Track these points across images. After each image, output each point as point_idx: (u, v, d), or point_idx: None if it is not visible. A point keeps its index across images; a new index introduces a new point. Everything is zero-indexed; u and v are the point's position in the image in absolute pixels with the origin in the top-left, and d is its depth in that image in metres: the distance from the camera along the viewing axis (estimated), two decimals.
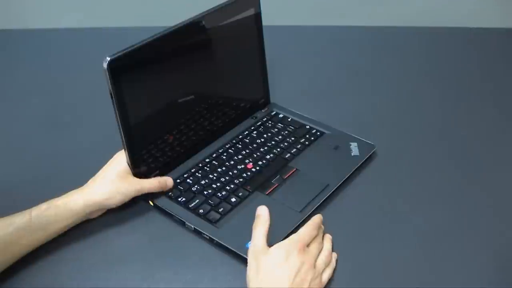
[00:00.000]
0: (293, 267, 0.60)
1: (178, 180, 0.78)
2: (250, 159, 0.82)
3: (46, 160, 0.85)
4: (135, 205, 0.75)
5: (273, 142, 0.85)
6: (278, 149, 0.84)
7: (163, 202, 0.75)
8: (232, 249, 0.68)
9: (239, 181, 0.78)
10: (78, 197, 0.69)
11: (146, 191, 0.72)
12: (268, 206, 0.71)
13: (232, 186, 0.77)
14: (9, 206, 0.67)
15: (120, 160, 0.72)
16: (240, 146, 0.84)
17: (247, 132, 0.87)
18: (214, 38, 0.81)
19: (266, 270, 0.60)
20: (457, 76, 1.05)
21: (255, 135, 0.87)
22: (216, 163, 0.81)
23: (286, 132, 0.88)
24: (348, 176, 0.79)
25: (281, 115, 0.92)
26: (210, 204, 0.74)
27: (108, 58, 0.65)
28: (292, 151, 0.83)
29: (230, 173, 0.79)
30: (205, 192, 0.76)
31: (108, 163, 0.73)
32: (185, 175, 0.79)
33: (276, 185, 0.77)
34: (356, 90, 1.02)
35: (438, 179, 0.80)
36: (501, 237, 0.71)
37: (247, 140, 0.86)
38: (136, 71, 0.71)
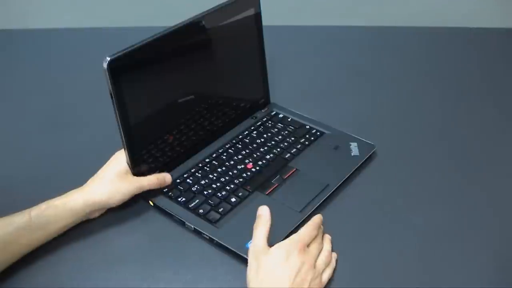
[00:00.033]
0: (294, 267, 0.60)
1: (178, 180, 0.78)
2: (250, 159, 0.82)
3: (46, 160, 0.85)
4: (135, 205, 0.76)
5: (273, 142, 0.85)
6: (278, 149, 0.84)
7: (163, 202, 0.75)
8: (232, 249, 0.68)
9: (239, 181, 0.78)
10: (77, 196, 0.69)
11: (145, 188, 0.72)
12: (268, 206, 0.71)
13: (232, 186, 0.77)
14: (9, 206, 0.67)
15: (119, 159, 0.72)
16: (240, 146, 0.84)
17: (247, 132, 0.87)
18: (214, 38, 0.81)
19: (266, 270, 0.60)
20: (457, 76, 1.05)
21: (255, 135, 0.87)
22: (216, 163, 0.81)
23: (286, 132, 0.88)
24: (348, 176, 0.79)
25: (281, 115, 0.92)
26: (210, 204, 0.74)
27: (108, 58, 0.65)
28: (292, 151, 0.83)
29: (230, 173, 0.79)
30: (205, 192, 0.76)
31: (107, 163, 0.73)
32: (185, 175, 0.79)
33: (276, 185, 0.77)
34: (356, 90, 1.02)
35: (438, 179, 0.80)
36: (501, 237, 0.71)
37: (247, 140, 0.86)
38: (136, 71, 0.71)
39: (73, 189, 0.70)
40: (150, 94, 0.75)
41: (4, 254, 0.64)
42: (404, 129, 0.91)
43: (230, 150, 0.83)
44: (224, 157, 0.82)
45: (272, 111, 0.93)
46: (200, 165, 0.81)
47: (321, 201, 0.75)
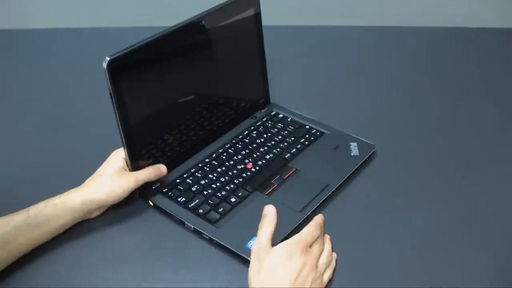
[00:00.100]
0: (296, 267, 0.60)
1: (178, 180, 0.78)
2: (250, 159, 0.82)
3: (46, 160, 0.85)
4: (135, 205, 0.76)
5: (273, 142, 0.85)
6: (278, 149, 0.84)
7: (163, 202, 0.75)
8: (232, 249, 0.68)
9: (239, 181, 0.78)
10: (76, 195, 0.69)
11: (142, 181, 0.72)
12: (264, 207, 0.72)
13: (232, 186, 0.77)
14: (9, 206, 0.67)
15: (117, 158, 0.73)
16: (240, 146, 0.84)
17: (247, 132, 0.87)
18: (214, 38, 0.81)
19: (268, 269, 0.60)
20: (457, 76, 1.05)
21: (255, 135, 0.87)
22: (216, 163, 0.81)
23: (286, 132, 0.88)
24: (348, 176, 0.79)
25: (281, 115, 0.92)
26: (210, 204, 0.74)
27: (108, 58, 0.65)
28: (292, 151, 0.83)
29: (230, 173, 0.79)
30: (205, 192, 0.76)
31: (105, 161, 0.73)
32: (185, 175, 0.79)
33: (276, 185, 0.77)
34: (356, 90, 1.02)
35: (438, 179, 0.80)
36: (501, 237, 0.71)
37: (247, 140, 0.86)
38: (136, 71, 0.71)
39: (73, 188, 0.70)
40: (150, 94, 0.75)
41: (3, 253, 0.64)
42: (404, 129, 0.91)
43: (230, 150, 0.83)
44: (224, 157, 0.82)
45: (272, 111, 0.93)
46: (200, 165, 0.81)
47: (321, 201, 0.75)
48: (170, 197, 0.75)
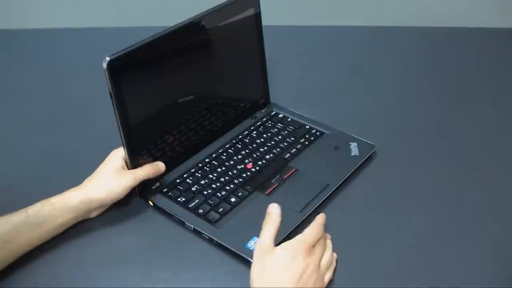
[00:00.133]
0: (298, 269, 0.60)
1: (178, 180, 0.78)
2: (250, 159, 0.82)
3: (46, 160, 0.85)
4: (135, 205, 0.76)
5: (272, 142, 0.85)
6: (278, 149, 0.84)
7: (163, 202, 0.75)
8: (232, 249, 0.68)
9: (239, 181, 0.78)
10: (75, 194, 0.69)
11: (141, 178, 0.72)
12: (268, 206, 0.71)
13: (231, 186, 0.77)
14: (10, 206, 0.67)
15: (115, 157, 0.73)
16: (240, 146, 0.84)
17: (247, 132, 0.87)
18: (214, 38, 0.81)
19: (271, 270, 0.60)
20: (457, 76, 1.05)
21: (255, 135, 0.87)
22: (216, 163, 0.81)
23: (286, 132, 0.88)
24: (348, 176, 0.79)
25: (281, 115, 0.92)
26: (209, 204, 0.74)
27: (108, 58, 0.65)
28: (292, 151, 0.83)
29: (230, 173, 0.79)
30: (205, 192, 0.76)
31: (104, 161, 0.73)
32: (185, 175, 0.79)
33: (276, 185, 0.77)
34: (356, 90, 1.02)
35: (438, 179, 0.80)
36: (501, 237, 0.71)
37: (247, 140, 0.86)
38: (136, 71, 0.71)
39: (71, 188, 0.70)
40: (150, 94, 0.75)
41: (3, 253, 0.64)
42: (404, 129, 0.91)
43: (230, 150, 0.83)
44: (224, 157, 0.82)
45: (272, 111, 0.93)
46: (200, 165, 0.81)
47: (321, 201, 0.75)
48: (170, 197, 0.75)
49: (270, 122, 0.90)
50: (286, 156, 0.83)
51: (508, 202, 0.76)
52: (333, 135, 0.87)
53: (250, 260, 0.66)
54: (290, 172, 0.79)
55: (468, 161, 0.83)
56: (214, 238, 0.69)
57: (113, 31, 1.19)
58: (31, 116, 0.96)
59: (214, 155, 0.82)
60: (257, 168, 0.80)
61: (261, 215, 0.71)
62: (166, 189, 0.76)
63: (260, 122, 0.90)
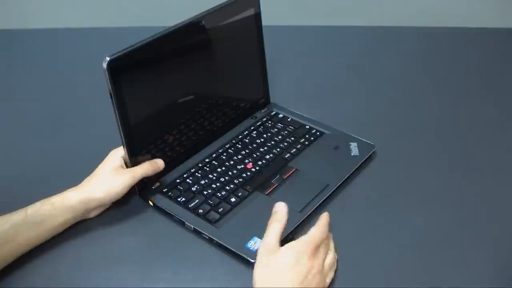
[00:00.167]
0: (302, 270, 0.59)
1: (178, 180, 0.78)
2: (250, 159, 0.82)
3: (46, 160, 0.85)
4: (135, 205, 0.76)
5: (272, 142, 0.85)
6: (278, 149, 0.84)
7: (163, 202, 0.75)
8: (232, 249, 0.68)
9: (239, 181, 0.78)
10: (73, 194, 0.69)
11: (140, 176, 0.72)
12: (268, 206, 0.71)
13: (231, 186, 0.77)
14: (9, 207, 0.67)
15: (114, 157, 0.73)
16: (240, 146, 0.84)
17: (247, 132, 0.87)
18: (214, 38, 0.81)
19: (275, 270, 0.59)
20: (457, 76, 1.05)
21: (255, 135, 0.87)
22: (216, 163, 0.81)
23: (286, 132, 0.88)
24: (348, 176, 0.79)
25: (281, 115, 0.92)
26: (209, 204, 0.74)
27: (108, 58, 0.65)
28: (292, 151, 0.83)
29: (230, 173, 0.79)
30: (205, 192, 0.76)
31: (103, 161, 0.73)
32: (185, 175, 0.79)
33: (276, 185, 0.77)
34: (356, 90, 1.02)
35: (438, 179, 0.80)
36: (501, 237, 0.71)
37: (247, 140, 0.86)
38: (136, 71, 0.71)
39: (71, 188, 0.71)
40: (150, 94, 0.75)
41: (2, 253, 0.64)
42: (404, 129, 0.91)
43: (230, 150, 0.83)
44: (224, 157, 0.82)
45: (272, 111, 0.93)
46: (200, 165, 0.81)
47: (321, 201, 0.75)
48: (170, 197, 0.75)
49: (270, 122, 0.90)
50: (286, 156, 0.83)
51: (508, 202, 0.76)
52: (333, 135, 0.87)
53: (250, 260, 0.66)
54: (290, 172, 0.79)
55: (468, 161, 0.83)
56: (214, 238, 0.69)
57: (113, 31, 1.19)
58: (31, 116, 0.96)
59: (214, 155, 0.82)
60: (257, 168, 0.80)
61: (261, 215, 0.71)
62: (166, 189, 0.76)
63: (260, 122, 0.90)
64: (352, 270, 0.67)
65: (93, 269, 0.68)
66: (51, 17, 1.27)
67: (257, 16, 0.85)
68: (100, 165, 0.73)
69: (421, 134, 0.89)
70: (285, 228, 0.64)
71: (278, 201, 0.74)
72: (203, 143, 0.84)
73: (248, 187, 0.77)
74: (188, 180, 0.78)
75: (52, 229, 0.68)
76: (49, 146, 0.88)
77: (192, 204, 0.74)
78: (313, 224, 0.65)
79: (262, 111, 0.93)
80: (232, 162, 0.81)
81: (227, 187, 0.76)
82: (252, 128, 0.88)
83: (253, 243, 0.68)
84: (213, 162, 0.81)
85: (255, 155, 0.83)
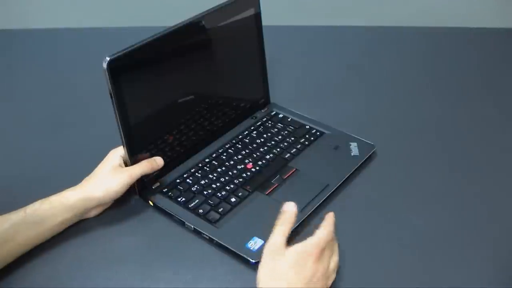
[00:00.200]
0: (308, 273, 0.59)
1: (178, 180, 0.78)
2: (250, 159, 0.82)
3: (46, 160, 0.85)
4: (135, 205, 0.76)
5: (273, 142, 0.85)
6: (278, 149, 0.84)
7: (163, 202, 0.75)
8: (232, 249, 0.68)
9: (239, 181, 0.78)
10: (72, 193, 0.69)
11: (138, 174, 0.72)
12: (268, 206, 0.72)
13: (232, 186, 0.77)
14: (9, 207, 0.67)
15: (113, 157, 0.73)
16: (240, 146, 0.84)
17: (247, 132, 0.87)
18: (214, 38, 0.81)
19: (280, 272, 0.59)
20: (456, 76, 1.05)
21: (255, 135, 0.87)
22: (216, 163, 0.81)
23: (286, 132, 0.88)
24: (348, 176, 0.79)
25: (281, 115, 0.92)
26: (210, 204, 0.74)
27: (108, 58, 0.65)
28: (292, 151, 0.83)
29: (230, 173, 0.79)
30: (205, 192, 0.76)
31: (102, 161, 0.73)
32: (185, 175, 0.79)
33: (276, 185, 0.77)
34: (356, 90, 1.02)
35: (438, 179, 0.80)
36: (501, 237, 0.71)
37: (247, 140, 0.86)
38: (136, 71, 0.71)
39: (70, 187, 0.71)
40: (150, 94, 0.75)
41: (2, 252, 0.64)
42: (404, 129, 0.91)
43: (230, 150, 0.83)
44: (224, 157, 0.82)
45: (272, 111, 0.93)
46: (200, 165, 0.81)
47: (321, 201, 0.75)
48: (170, 197, 0.75)
49: (270, 122, 0.90)
50: (286, 156, 0.83)
51: (508, 202, 0.76)
52: (333, 135, 0.87)
53: (250, 260, 0.66)
54: (290, 172, 0.79)
55: (468, 161, 0.83)
56: (214, 238, 0.69)
57: (113, 31, 1.19)
58: (31, 116, 0.96)
59: (214, 155, 0.82)
60: (257, 168, 0.80)
61: (261, 215, 0.72)
62: (166, 189, 0.76)
63: (260, 122, 0.90)
64: (352, 270, 0.67)
65: (93, 269, 0.68)
66: (51, 17, 1.27)
67: (257, 16, 0.85)
68: (99, 165, 0.73)
69: (421, 134, 0.89)
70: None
71: (278, 201, 0.74)
72: (203, 143, 0.84)
73: (248, 187, 0.77)
74: (188, 180, 0.78)
75: (51, 229, 0.68)
76: (49, 146, 0.88)
77: (192, 204, 0.74)
78: (313, 224, 0.64)
79: (262, 111, 0.93)
80: (232, 162, 0.81)
81: (227, 187, 0.76)
82: (252, 128, 0.88)
83: (253, 243, 0.68)
84: (213, 162, 0.81)
85: (255, 155, 0.83)
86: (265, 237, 0.68)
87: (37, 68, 1.10)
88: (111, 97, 0.68)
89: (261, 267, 0.60)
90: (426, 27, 1.19)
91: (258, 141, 0.86)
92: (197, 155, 0.82)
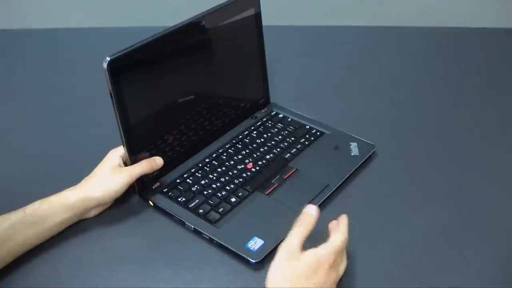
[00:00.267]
0: (320, 281, 0.58)
1: (178, 180, 0.78)
2: (250, 159, 0.82)
3: (46, 160, 0.85)
4: (135, 205, 0.76)
5: (273, 142, 0.85)
6: (278, 149, 0.84)
7: (163, 202, 0.75)
8: (232, 249, 0.68)
9: (239, 181, 0.78)
10: (72, 193, 0.69)
11: (137, 174, 0.72)
12: (268, 206, 0.72)
13: (232, 186, 0.77)
14: (9, 207, 0.67)
15: (112, 157, 0.73)
16: (240, 146, 0.84)
17: (247, 132, 0.87)
18: (214, 38, 0.81)
19: (292, 275, 0.58)
20: (456, 76, 1.05)
21: (255, 135, 0.87)
22: (216, 163, 0.81)
23: (286, 132, 0.88)
24: (348, 176, 0.79)
25: (281, 115, 0.92)
26: (210, 204, 0.74)
27: (108, 58, 0.65)
28: (292, 151, 0.83)
29: (230, 173, 0.79)
30: (205, 192, 0.76)
31: (102, 161, 0.73)
32: (185, 175, 0.79)
33: (276, 185, 0.77)
34: (356, 90, 1.02)
35: (438, 179, 0.80)
36: (501, 237, 0.71)
37: (247, 140, 0.86)
38: (136, 71, 0.71)
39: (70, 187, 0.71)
40: (150, 94, 0.75)
41: (1, 252, 0.64)
42: (404, 129, 0.91)
43: (230, 150, 0.83)
44: (224, 157, 0.82)
45: (272, 111, 0.93)
46: (200, 165, 0.81)
47: (321, 201, 0.75)
48: (170, 197, 0.75)
49: (270, 122, 0.90)
50: (286, 156, 0.83)
51: (508, 202, 0.76)
52: (333, 135, 0.87)
53: (251, 260, 0.66)
54: (290, 172, 0.79)
55: (468, 161, 0.83)
56: (214, 238, 0.69)
57: (113, 31, 1.19)
58: (31, 116, 0.96)
59: (214, 155, 0.82)
60: (257, 168, 0.80)
61: (262, 215, 0.72)
62: (166, 189, 0.77)
63: (260, 122, 0.90)
64: (352, 270, 0.67)
65: (92, 269, 0.68)
66: (51, 17, 1.27)
67: (257, 16, 0.85)
68: (99, 165, 0.73)
69: (421, 134, 0.89)
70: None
71: (278, 201, 0.74)
72: (203, 143, 0.84)
73: (248, 187, 0.77)
74: (188, 180, 0.78)
75: (50, 229, 0.68)
76: (49, 146, 0.88)
77: (192, 204, 0.74)
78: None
79: (262, 111, 0.93)
80: (232, 162, 0.81)
81: (227, 187, 0.76)
82: (252, 128, 0.88)
83: (253, 243, 0.68)
84: (213, 162, 0.81)
85: (255, 155, 0.83)
86: (265, 237, 0.68)
87: (37, 68, 1.10)
88: (111, 97, 0.68)
89: (273, 266, 0.59)
90: (426, 27, 1.19)
91: (258, 141, 0.86)
92: (197, 155, 0.82)
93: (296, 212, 0.72)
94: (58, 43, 1.19)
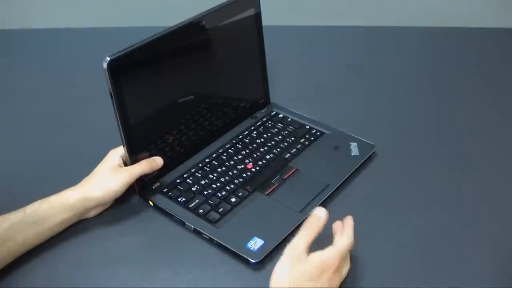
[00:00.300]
0: (324, 285, 0.58)
1: (178, 180, 0.78)
2: (250, 159, 0.82)
3: (46, 160, 0.85)
4: (135, 205, 0.76)
5: (273, 142, 0.85)
6: (278, 149, 0.84)
7: (163, 202, 0.75)
8: (232, 249, 0.68)
9: (239, 181, 0.78)
10: (71, 193, 0.69)
11: (137, 174, 0.72)
12: (268, 206, 0.72)
13: (232, 186, 0.77)
14: (9, 207, 0.67)
15: (112, 157, 0.73)
16: (240, 146, 0.84)
17: (247, 132, 0.87)
18: (214, 38, 0.81)
19: (296, 277, 0.58)
20: (456, 76, 1.05)
21: (255, 135, 0.87)
22: (216, 163, 0.81)
23: (286, 132, 0.88)
24: (348, 176, 0.79)
25: (281, 115, 0.92)
26: (210, 204, 0.74)
27: (108, 58, 0.65)
28: (292, 151, 0.83)
29: (230, 173, 0.79)
30: (205, 192, 0.76)
31: (102, 161, 0.73)
32: (185, 175, 0.79)
33: (276, 185, 0.77)
34: (356, 90, 1.02)
35: (438, 179, 0.80)
36: (501, 237, 0.71)
37: (247, 140, 0.86)
38: (136, 71, 0.71)
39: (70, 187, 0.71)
40: (150, 94, 0.75)
41: (1, 252, 0.64)
42: (404, 129, 0.91)
43: (230, 150, 0.83)
44: (224, 157, 0.82)
45: (272, 111, 0.93)
46: (200, 165, 0.81)
47: (321, 201, 0.75)
48: (170, 197, 0.75)
49: (270, 122, 0.90)
50: (286, 156, 0.83)
51: (508, 202, 0.76)
52: (333, 135, 0.87)
53: (251, 260, 0.66)
54: (290, 172, 0.79)
55: (468, 161, 0.83)
56: (214, 238, 0.69)
57: (113, 31, 1.19)
58: (31, 116, 0.96)
59: (214, 155, 0.82)
60: (257, 168, 0.80)
61: (262, 215, 0.72)
62: (166, 189, 0.76)
63: (260, 122, 0.90)
64: (352, 270, 0.66)
65: (93, 269, 0.68)
66: (51, 17, 1.27)
67: (257, 16, 0.85)
68: (99, 165, 0.73)
69: (421, 134, 0.89)
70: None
71: (278, 201, 0.74)
72: (203, 143, 0.84)
73: (248, 187, 0.77)
74: (188, 180, 0.78)
75: (50, 229, 0.68)
76: (49, 146, 0.88)
77: (192, 204, 0.74)
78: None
79: (262, 111, 0.93)
80: (232, 162, 0.81)
81: (227, 187, 0.76)
82: (252, 128, 0.88)
83: (253, 243, 0.68)
84: (213, 162, 0.81)
85: (255, 155, 0.83)
86: (265, 237, 0.68)
87: (37, 68, 1.10)
88: (111, 97, 0.68)
89: (278, 268, 0.59)
90: (426, 27, 1.19)
91: (258, 141, 0.86)
92: (197, 155, 0.82)
93: (296, 212, 0.72)
94: (58, 43, 1.19)
